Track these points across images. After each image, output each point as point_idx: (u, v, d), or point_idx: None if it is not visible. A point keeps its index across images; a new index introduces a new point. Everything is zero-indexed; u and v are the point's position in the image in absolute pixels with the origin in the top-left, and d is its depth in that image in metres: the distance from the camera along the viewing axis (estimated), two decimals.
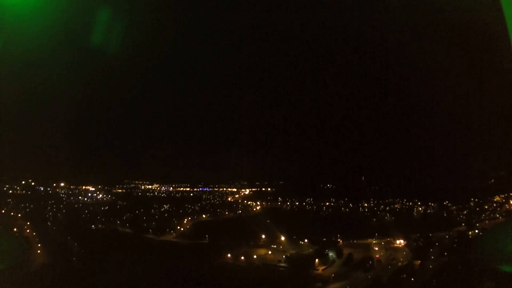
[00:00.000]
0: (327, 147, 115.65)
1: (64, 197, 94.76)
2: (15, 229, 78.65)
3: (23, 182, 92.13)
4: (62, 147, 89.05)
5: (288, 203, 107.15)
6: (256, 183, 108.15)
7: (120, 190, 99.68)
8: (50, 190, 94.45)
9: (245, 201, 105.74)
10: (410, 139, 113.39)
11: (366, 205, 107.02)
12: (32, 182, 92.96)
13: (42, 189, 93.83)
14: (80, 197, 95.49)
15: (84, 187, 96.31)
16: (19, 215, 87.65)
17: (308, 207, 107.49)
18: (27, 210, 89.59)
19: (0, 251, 14.65)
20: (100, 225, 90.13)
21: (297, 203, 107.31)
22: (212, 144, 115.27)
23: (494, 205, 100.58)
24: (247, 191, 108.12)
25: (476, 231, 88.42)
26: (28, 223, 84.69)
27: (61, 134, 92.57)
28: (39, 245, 77.18)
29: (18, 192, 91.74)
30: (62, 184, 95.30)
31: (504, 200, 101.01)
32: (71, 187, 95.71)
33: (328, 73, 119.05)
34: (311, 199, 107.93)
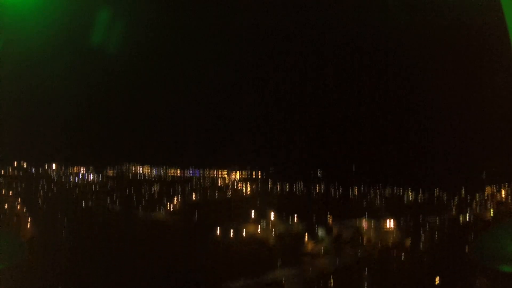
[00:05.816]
0: (319, 135, 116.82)
1: (55, 178, 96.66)
2: (6, 206, 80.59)
3: (15, 163, 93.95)
4: (55, 132, 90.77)
5: (279, 187, 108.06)
6: (247, 167, 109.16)
7: (110, 172, 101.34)
8: (41, 171, 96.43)
9: (235, 184, 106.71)
10: (405, 135, 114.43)
11: (356, 190, 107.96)
12: (24, 163, 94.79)
13: (34, 170, 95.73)
14: (71, 178, 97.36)
15: (75, 169, 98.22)
16: (10, 192, 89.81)
17: (299, 191, 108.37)
18: (18, 189, 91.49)
19: (0, 251, 14.75)
20: (90, 203, 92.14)
21: (287, 187, 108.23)
22: (203, 129, 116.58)
23: (486, 194, 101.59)
24: (238, 175, 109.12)
25: (467, 216, 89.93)
26: (19, 199, 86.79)
27: (54, 120, 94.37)
28: (29, 219, 78.83)
29: (10, 173, 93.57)
30: (53, 166, 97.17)
31: (496, 191, 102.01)
32: (62, 168, 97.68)
33: (319, 66, 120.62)
34: (302, 183, 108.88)
